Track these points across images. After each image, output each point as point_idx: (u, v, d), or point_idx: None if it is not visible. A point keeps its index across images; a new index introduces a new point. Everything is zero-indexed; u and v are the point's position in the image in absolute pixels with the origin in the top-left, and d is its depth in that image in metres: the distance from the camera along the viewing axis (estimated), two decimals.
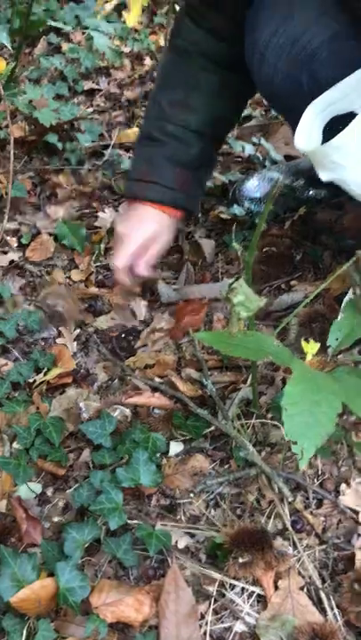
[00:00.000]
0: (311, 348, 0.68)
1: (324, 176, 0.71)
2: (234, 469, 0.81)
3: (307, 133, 0.66)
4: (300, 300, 1.04)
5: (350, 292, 0.77)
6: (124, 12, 1.71)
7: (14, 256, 1.20)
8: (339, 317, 0.74)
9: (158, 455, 0.84)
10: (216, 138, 1.02)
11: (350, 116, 0.67)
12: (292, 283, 1.08)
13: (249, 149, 1.34)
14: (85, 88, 1.66)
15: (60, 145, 1.40)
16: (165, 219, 0.98)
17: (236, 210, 1.17)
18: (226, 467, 0.83)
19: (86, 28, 1.80)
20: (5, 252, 1.21)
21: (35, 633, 0.66)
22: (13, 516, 0.78)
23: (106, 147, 1.45)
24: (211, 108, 0.94)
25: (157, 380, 0.95)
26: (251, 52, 0.84)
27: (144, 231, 0.96)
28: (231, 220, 1.19)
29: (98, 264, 1.20)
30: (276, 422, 0.83)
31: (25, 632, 0.66)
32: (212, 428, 0.86)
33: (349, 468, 0.82)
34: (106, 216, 1.28)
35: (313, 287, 1.06)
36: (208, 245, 1.17)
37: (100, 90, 1.66)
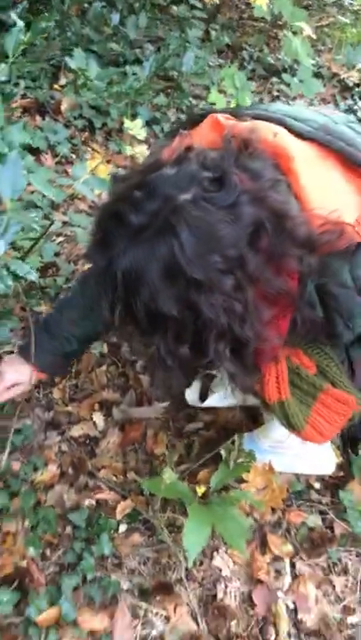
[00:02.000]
0: (200, 489, 1.32)
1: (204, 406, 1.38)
2: (155, 543, 1.44)
3: (191, 395, 1.31)
4: (201, 427, 1.67)
5: (223, 449, 1.41)
6: None
7: None
8: (219, 469, 1.38)
9: (112, 531, 1.45)
10: (89, 343, 1.53)
11: None
12: (197, 412, 1.71)
13: None
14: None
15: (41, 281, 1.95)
16: (32, 376, 1.41)
17: None
18: (151, 539, 1.46)
19: None
20: None
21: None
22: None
23: (70, 279, 2.02)
24: (93, 329, 1.40)
25: (113, 478, 1.56)
26: None
27: (15, 376, 1.40)
28: None
29: (70, 383, 1.77)
30: (179, 515, 1.46)
31: None
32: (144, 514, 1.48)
33: (219, 541, 1.46)
34: None
35: (209, 417, 1.70)
36: (145, 379, 1.77)
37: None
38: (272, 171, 0.99)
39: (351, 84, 3.06)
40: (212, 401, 1.48)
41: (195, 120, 1.16)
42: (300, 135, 1.06)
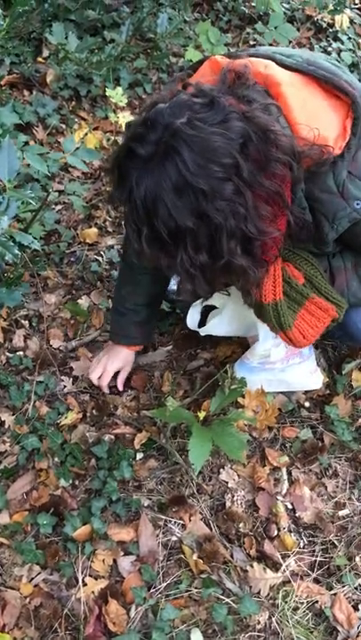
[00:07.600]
0: (202, 414, 1.52)
1: (202, 333, 1.56)
2: (169, 465, 1.65)
3: (191, 320, 1.51)
4: (202, 364, 1.87)
5: (221, 378, 1.60)
6: None
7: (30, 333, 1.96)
8: (216, 395, 1.58)
9: (131, 459, 1.66)
10: (155, 305, 1.76)
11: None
12: (198, 351, 1.91)
13: None
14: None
15: (46, 248, 2.13)
16: (130, 353, 1.75)
17: (164, 305, 1.97)
18: (165, 463, 1.67)
19: None
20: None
21: None
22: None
23: (72, 244, 2.19)
24: (149, 293, 1.67)
25: (128, 415, 1.76)
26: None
27: (115, 364, 1.74)
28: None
29: (80, 339, 1.97)
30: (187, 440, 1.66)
31: None
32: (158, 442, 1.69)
33: (224, 459, 1.67)
34: (82, 302, 2.04)
35: (209, 354, 1.89)
36: None
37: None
38: (263, 96, 1.16)
39: (325, 25, 3.12)
40: (210, 327, 1.67)
41: (196, 66, 1.32)
42: (287, 67, 1.23)
